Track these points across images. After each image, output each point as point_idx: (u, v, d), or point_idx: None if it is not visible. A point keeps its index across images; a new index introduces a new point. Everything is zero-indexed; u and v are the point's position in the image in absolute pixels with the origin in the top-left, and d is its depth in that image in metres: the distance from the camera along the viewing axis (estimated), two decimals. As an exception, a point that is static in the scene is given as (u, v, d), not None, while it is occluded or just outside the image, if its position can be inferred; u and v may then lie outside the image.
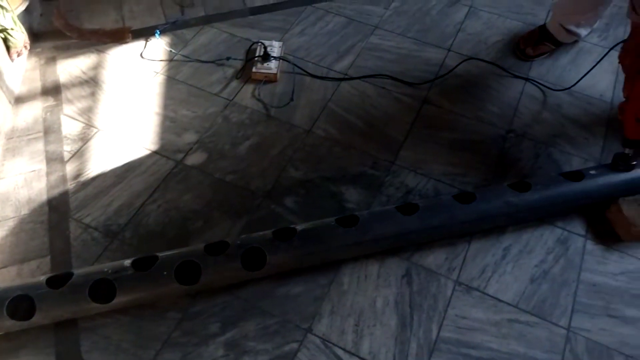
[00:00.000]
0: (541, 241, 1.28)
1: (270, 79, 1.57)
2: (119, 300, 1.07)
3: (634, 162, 1.28)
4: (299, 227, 1.15)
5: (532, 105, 1.55)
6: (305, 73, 1.60)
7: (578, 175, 1.28)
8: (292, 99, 1.53)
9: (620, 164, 1.28)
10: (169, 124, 1.47)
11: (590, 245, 1.28)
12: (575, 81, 1.56)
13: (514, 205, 1.22)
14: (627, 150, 1.26)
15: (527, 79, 1.60)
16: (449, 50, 1.69)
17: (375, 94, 1.56)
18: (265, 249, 1.11)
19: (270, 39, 1.66)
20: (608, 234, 1.30)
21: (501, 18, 1.79)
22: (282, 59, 1.60)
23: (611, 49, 1.31)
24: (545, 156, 1.44)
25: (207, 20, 1.75)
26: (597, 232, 1.30)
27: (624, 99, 1.23)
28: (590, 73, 1.55)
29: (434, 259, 1.24)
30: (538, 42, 1.66)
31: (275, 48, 1.61)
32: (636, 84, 1.18)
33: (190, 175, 1.36)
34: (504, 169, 1.41)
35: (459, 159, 1.42)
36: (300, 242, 1.13)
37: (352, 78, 1.60)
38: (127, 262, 1.09)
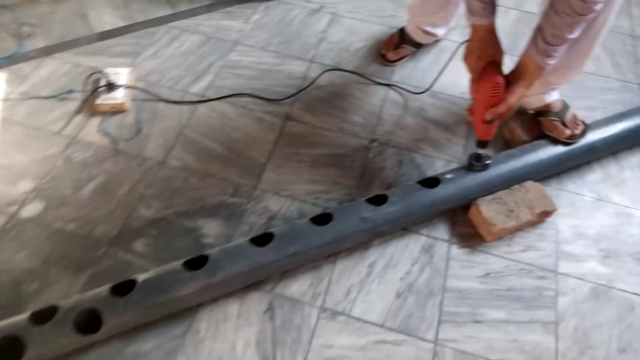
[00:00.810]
0: (406, 252, 1.26)
1: (118, 110, 1.45)
2: None
3: (488, 162, 1.28)
4: (140, 278, 1.05)
5: (395, 111, 1.54)
6: (158, 99, 1.50)
7: (434, 181, 1.26)
8: (140, 129, 1.42)
9: (475, 164, 1.28)
10: (1, 172, 1.32)
11: (455, 250, 1.27)
12: (434, 81, 1.56)
13: (370, 220, 1.19)
14: (480, 151, 1.27)
15: (389, 85, 1.58)
16: (311, 61, 1.64)
17: (235, 115, 1.49)
18: (100, 309, 1.00)
19: (119, 65, 1.54)
20: (472, 235, 1.30)
21: (364, 23, 1.77)
22: (131, 87, 1.49)
23: (457, 48, 1.31)
24: (409, 162, 1.43)
25: (49, 50, 1.60)
26: (461, 235, 1.29)
27: (471, 101, 1.23)
28: (451, 72, 1.55)
29: (298, 287, 1.18)
30: (398, 45, 1.65)
31: (122, 75, 1.49)
32: (480, 86, 1.18)
33: (24, 229, 1.22)
34: (368, 181, 1.38)
35: (322, 176, 1.38)
36: (141, 294, 1.03)
37: (210, 100, 1.51)
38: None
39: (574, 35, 1.10)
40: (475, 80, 1.18)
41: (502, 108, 1.15)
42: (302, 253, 1.14)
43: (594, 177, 1.43)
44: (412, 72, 1.64)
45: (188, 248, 1.22)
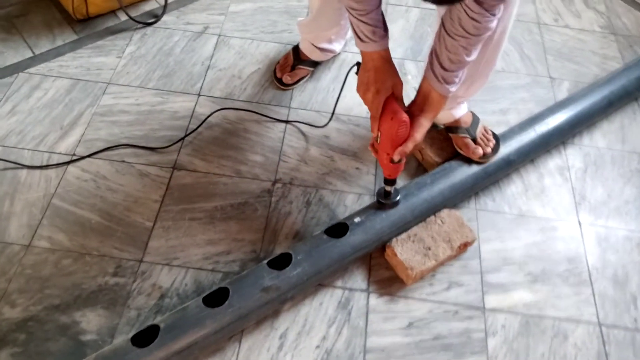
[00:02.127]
0: (321, 312, 1.12)
1: (-33, 188, 1.22)
2: None
3: (398, 198, 1.16)
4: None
5: (297, 144, 1.38)
6: (18, 166, 1.28)
7: (342, 228, 1.13)
8: (-5, 211, 1.20)
9: (384, 202, 1.16)
10: None
11: (374, 300, 1.15)
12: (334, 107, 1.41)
13: (274, 289, 1.04)
14: (388, 188, 1.14)
15: (287, 122, 1.42)
16: (198, 95, 1.46)
17: (112, 173, 1.29)
18: None
19: (-32, 130, 1.31)
20: (391, 279, 1.17)
21: (255, 43, 1.60)
22: (-18, 157, 1.26)
23: (347, 74, 1.16)
24: (317, 201, 1.28)
25: None
26: (380, 282, 1.17)
27: (373, 137, 1.09)
28: (352, 90, 1.40)
29: (199, 378, 1.03)
30: (294, 67, 1.49)
31: (-31, 144, 1.26)
32: (384, 125, 1.03)
33: None
34: (274, 232, 1.23)
35: (221, 234, 1.21)
36: None
37: (80, 158, 1.30)
38: None
39: (471, 57, 0.98)
40: (377, 118, 1.04)
41: (409, 146, 1.02)
42: (196, 344, 0.98)
43: (514, 190, 1.34)
44: (312, 94, 1.49)
45: (65, 351, 1.03)
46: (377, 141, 1.06)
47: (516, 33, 1.71)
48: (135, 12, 1.63)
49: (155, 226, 1.21)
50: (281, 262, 1.07)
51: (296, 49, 1.50)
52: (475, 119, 1.31)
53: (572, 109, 1.38)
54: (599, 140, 1.46)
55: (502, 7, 0.91)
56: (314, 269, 1.07)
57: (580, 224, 1.30)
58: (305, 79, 1.51)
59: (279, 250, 1.19)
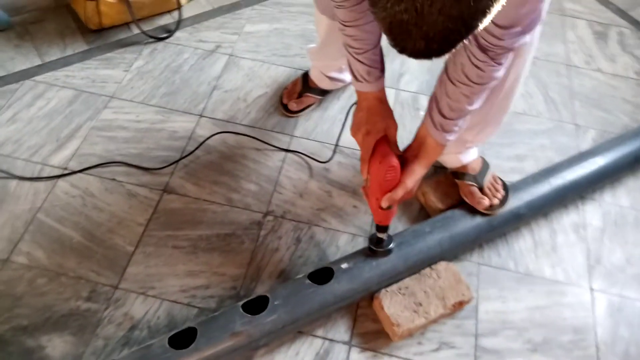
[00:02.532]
0: (296, 363, 1.05)
1: (-47, 196, 1.21)
2: None
3: (391, 246, 1.08)
4: None
5: (295, 174, 1.32)
6: (10, 176, 1.26)
7: (326, 274, 1.05)
8: (-23, 221, 1.18)
9: (376, 249, 1.08)
10: None
11: (355, 355, 1.06)
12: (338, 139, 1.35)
13: (245, 334, 0.97)
14: (380, 235, 1.06)
15: (287, 150, 1.36)
16: (200, 115, 1.42)
17: (101, 191, 1.25)
18: None
19: (-34, 135, 1.30)
20: (377, 333, 1.09)
21: (265, 65, 1.55)
22: (-26, 164, 1.24)
23: (349, 108, 1.09)
24: (308, 239, 1.21)
25: None
26: (364, 335, 1.09)
27: (364, 181, 1.02)
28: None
29: (157, 422, 0.96)
30: (301, 94, 1.43)
31: (-37, 150, 1.25)
32: (372, 168, 0.97)
33: None
34: (257, 269, 1.16)
35: (202, 265, 1.16)
36: None
37: (72, 173, 1.27)
38: None
39: (474, 106, 0.90)
40: (366, 161, 0.97)
41: (399, 193, 0.95)
42: (154, 388, 0.92)
43: (522, 246, 1.24)
44: (318, 123, 1.43)
45: (24, 377, 0.99)
46: (367, 185, 0.99)
47: (542, 74, 1.61)
48: (149, 26, 1.61)
49: (136, 251, 1.16)
50: (257, 306, 1.00)
51: (305, 76, 1.45)
52: (485, 166, 1.22)
53: (594, 162, 1.27)
54: (622, 197, 1.34)
55: (510, 56, 0.83)
56: (290, 317, 1.00)
57: (592, 290, 1.19)
58: (313, 107, 1.45)
59: (260, 289, 1.13)
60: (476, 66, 0.82)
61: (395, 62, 1.57)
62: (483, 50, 0.80)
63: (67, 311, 1.08)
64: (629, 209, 1.32)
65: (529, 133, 1.46)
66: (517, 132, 1.46)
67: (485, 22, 0.54)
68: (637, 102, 1.56)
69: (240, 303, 1.01)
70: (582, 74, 1.63)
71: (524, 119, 1.49)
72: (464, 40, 0.55)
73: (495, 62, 0.81)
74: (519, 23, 0.76)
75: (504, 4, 0.70)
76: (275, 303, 1.00)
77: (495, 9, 0.53)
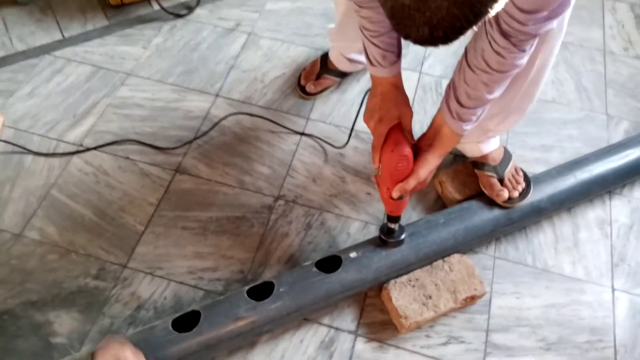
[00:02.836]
0: (300, 350, 1.03)
1: (-29, 169, 1.22)
2: None
3: (402, 237, 1.04)
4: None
5: (309, 158, 1.29)
6: (26, 151, 1.27)
7: (334, 262, 1.03)
8: (-8, 195, 1.19)
9: (387, 240, 1.05)
10: None
11: (360, 345, 1.04)
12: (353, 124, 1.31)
13: (249, 320, 0.96)
14: (392, 225, 1.03)
15: (302, 134, 1.33)
16: (217, 95, 1.39)
17: (114, 169, 1.25)
18: None
19: (-15, 109, 1.31)
20: (384, 324, 1.07)
21: (285, 45, 1.51)
22: (-8, 138, 1.26)
23: (365, 94, 1.04)
24: (318, 225, 1.19)
25: None
26: (371, 325, 1.07)
27: (376, 170, 0.98)
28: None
29: (159, 402, 0.97)
30: (320, 75, 1.39)
31: (-18, 124, 1.26)
32: (384, 156, 0.93)
33: None
34: (266, 253, 1.15)
35: (211, 247, 1.15)
36: None
37: (86, 150, 1.27)
38: None
39: (494, 95, 0.85)
40: (378, 149, 0.93)
41: (411, 183, 0.91)
42: (157, 370, 0.92)
43: (542, 240, 1.19)
44: (335, 106, 1.39)
45: (33, 351, 1.01)
46: (378, 173, 0.95)
47: (575, 60, 1.52)
48: (169, 2, 1.58)
49: (146, 231, 1.16)
50: (262, 292, 0.99)
51: (325, 57, 1.41)
52: (507, 157, 1.16)
53: (624, 156, 1.20)
54: (653, 194, 1.27)
55: (534, 43, 0.77)
56: (295, 304, 0.99)
57: (613, 289, 1.13)
58: (331, 89, 1.41)
59: (268, 274, 1.12)
60: (497, 52, 0.77)
61: (419, 44, 1.51)
62: (505, 35, 0.74)
63: (76, 288, 1.09)
64: (660, 206, 1.25)
65: (557, 122, 1.39)
66: (545, 121, 1.39)
67: (497, 7, 0.49)
68: (676, 92, 1.47)
69: (246, 288, 1.00)
70: (618, 60, 1.54)
71: (553, 107, 1.42)
72: (474, 27, 0.50)
73: (517, 49, 0.76)
74: (544, 7, 0.70)
75: None
76: (281, 290, 0.99)
77: None
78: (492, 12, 0.49)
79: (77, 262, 1.12)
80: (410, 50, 1.50)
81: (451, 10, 0.47)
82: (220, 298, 0.99)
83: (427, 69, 1.47)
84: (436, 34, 0.50)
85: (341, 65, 1.38)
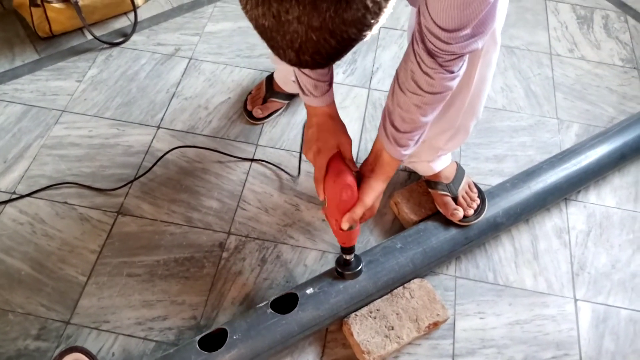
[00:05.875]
0: (261, 398, 0.98)
1: None
2: None
3: (359, 268, 1.00)
4: None
5: (261, 188, 1.24)
6: (-48, 204, 1.17)
7: (290, 301, 0.98)
8: None
9: (343, 272, 1.00)
10: None
11: (324, 385, 1.00)
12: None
13: (202, 375, 0.90)
14: (347, 257, 0.99)
15: (251, 160, 1.27)
16: (158, 127, 1.33)
17: (52, 216, 1.17)
18: None
19: None
20: (348, 359, 1.02)
21: (228, 68, 1.45)
22: None
23: (304, 125, 0.99)
24: (274, 259, 1.14)
25: None
26: (334, 362, 1.02)
27: (322, 203, 0.94)
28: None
29: None
30: (266, 99, 1.34)
31: None
32: (328, 188, 0.89)
33: None
34: (220, 295, 1.09)
35: (160, 294, 1.08)
36: None
37: (20, 197, 1.19)
38: None
39: (427, 118, 0.82)
40: (320, 181, 0.89)
41: (358, 212, 0.87)
42: None
43: (502, 255, 1.17)
44: (285, 130, 1.34)
45: None
46: (325, 205, 0.91)
47: (523, 65, 1.52)
48: (103, 31, 1.51)
49: (88, 282, 1.09)
50: (215, 341, 0.93)
51: (270, 79, 1.36)
52: (460, 173, 1.14)
53: (576, 163, 1.19)
54: (607, 197, 1.27)
55: (462, 64, 0.75)
56: (251, 351, 0.93)
57: (576, 300, 1.12)
58: (279, 112, 1.37)
59: (222, 318, 1.06)
60: (426, 73, 0.74)
61: (367, 59, 1.48)
62: (432, 55, 0.72)
63: (14, 352, 1.00)
64: (615, 209, 1.25)
65: (508, 130, 1.38)
66: (496, 130, 1.38)
67: (369, 33, 0.48)
68: (622, 91, 1.48)
69: (197, 338, 0.94)
70: (565, 62, 1.54)
71: (504, 115, 1.41)
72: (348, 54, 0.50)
73: (445, 70, 0.73)
74: (466, 25, 0.67)
75: (444, 5, 0.63)
76: (235, 337, 0.93)
77: (381, 18, 0.48)
78: (367, 37, 0.49)
79: (15, 323, 1.03)
80: (359, 66, 1.47)
81: (310, 36, 0.46)
82: (171, 351, 0.93)
83: (376, 84, 1.44)
84: (303, 59, 0.49)
85: (287, 87, 1.33)
